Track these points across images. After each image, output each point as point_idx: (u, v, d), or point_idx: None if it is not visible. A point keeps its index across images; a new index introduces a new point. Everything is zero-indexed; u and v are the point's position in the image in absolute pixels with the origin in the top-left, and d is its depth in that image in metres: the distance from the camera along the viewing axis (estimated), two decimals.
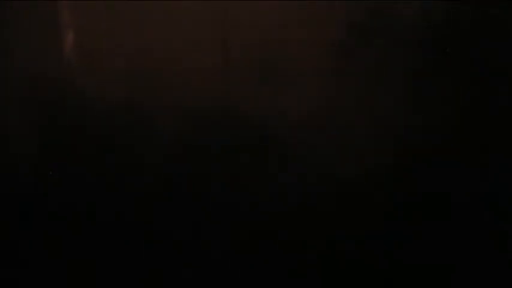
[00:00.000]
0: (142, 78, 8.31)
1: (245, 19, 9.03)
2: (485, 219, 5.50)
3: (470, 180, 6.07)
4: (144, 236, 5.41)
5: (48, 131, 7.47)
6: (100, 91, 8.09)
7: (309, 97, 8.06)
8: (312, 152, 6.95)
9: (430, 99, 7.81)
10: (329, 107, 7.84)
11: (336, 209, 5.77)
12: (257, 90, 8.22)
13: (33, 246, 5.24)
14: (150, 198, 5.91)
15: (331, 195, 6.07)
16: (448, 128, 7.13)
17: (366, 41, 8.66)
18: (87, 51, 8.64)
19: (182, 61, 8.57)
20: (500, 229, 5.35)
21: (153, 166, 6.55)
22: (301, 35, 8.84)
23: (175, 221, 5.63)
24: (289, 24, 8.96)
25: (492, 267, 4.98)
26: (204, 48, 8.84)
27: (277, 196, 6.05)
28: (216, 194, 6.05)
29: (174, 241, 5.31)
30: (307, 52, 8.77)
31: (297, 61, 8.69)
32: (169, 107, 7.84)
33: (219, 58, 8.71)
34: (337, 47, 8.75)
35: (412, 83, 8.08)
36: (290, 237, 5.37)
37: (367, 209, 5.73)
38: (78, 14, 9.05)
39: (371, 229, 5.40)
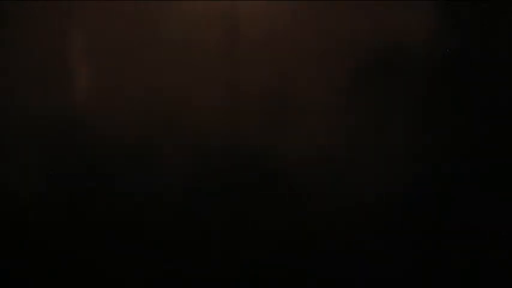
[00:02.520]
0: (150, 116, 8.34)
1: (254, 55, 9.08)
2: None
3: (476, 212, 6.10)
4: (149, 273, 5.42)
5: (57, 168, 7.52)
6: (108, 129, 8.13)
7: (318, 133, 8.07)
8: (319, 189, 6.95)
9: (438, 136, 7.81)
10: (337, 144, 7.85)
11: (339, 246, 5.78)
12: (265, 126, 8.24)
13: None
14: (157, 235, 5.92)
15: (336, 232, 6.08)
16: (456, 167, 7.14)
17: (375, 78, 8.69)
18: (96, 89, 8.69)
19: (190, 98, 8.61)
20: None
21: (163, 203, 6.57)
22: (310, 72, 8.87)
23: (182, 256, 5.64)
24: (298, 60, 9.01)
25: None
26: (212, 85, 8.88)
27: (282, 232, 6.05)
28: (223, 232, 6.08)
29: (181, 279, 5.31)
30: (317, 88, 8.78)
31: (306, 98, 8.71)
32: (178, 145, 7.86)
33: (228, 96, 8.74)
34: (346, 83, 8.76)
35: (421, 120, 8.09)
36: (292, 273, 5.37)
37: (373, 247, 5.74)
38: (87, 54, 9.15)
39: (375, 266, 5.40)
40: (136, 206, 6.83)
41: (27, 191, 6.97)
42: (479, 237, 6.03)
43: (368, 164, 7.40)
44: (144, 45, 9.09)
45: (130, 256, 5.68)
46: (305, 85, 8.74)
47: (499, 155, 7.39)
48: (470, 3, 8.67)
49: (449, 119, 7.96)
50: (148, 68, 9.06)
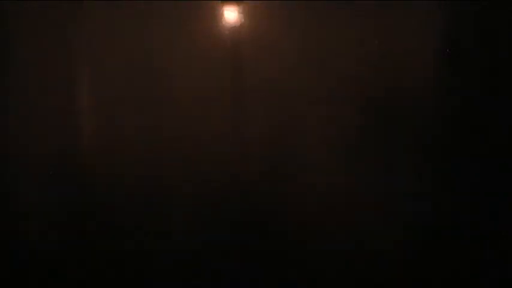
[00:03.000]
0: (157, 152, 8.35)
1: (258, 97, 9.07)
2: None
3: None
4: None
5: (69, 206, 7.52)
6: (110, 168, 8.14)
7: (322, 176, 8.04)
8: (323, 233, 6.91)
9: (441, 181, 7.80)
10: (342, 188, 7.82)
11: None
12: (271, 168, 8.23)
13: None
14: (159, 272, 5.91)
15: (341, 275, 6.07)
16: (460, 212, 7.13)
17: (380, 121, 8.68)
18: (100, 130, 8.73)
19: (195, 139, 8.63)
20: None
21: (165, 242, 6.55)
22: (316, 112, 8.87)
23: None
24: (304, 106, 9.00)
25: None
26: (217, 130, 8.91)
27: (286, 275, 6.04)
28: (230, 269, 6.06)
29: None
30: (321, 130, 8.79)
31: (311, 140, 8.71)
32: (187, 183, 7.83)
33: (230, 141, 8.75)
34: (351, 127, 8.76)
35: (426, 164, 8.09)
36: None
37: None
38: (93, 97, 9.20)
39: None
40: (137, 244, 6.80)
41: (33, 230, 6.96)
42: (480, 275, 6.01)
43: (372, 210, 7.37)
44: (149, 88, 9.11)
45: None
46: (309, 128, 8.74)
47: (500, 196, 7.36)
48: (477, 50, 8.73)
49: (452, 162, 7.95)
50: (151, 110, 9.08)
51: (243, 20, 9.55)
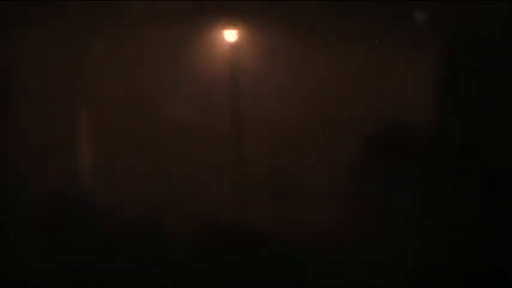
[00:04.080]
0: (159, 197, 8.37)
1: (261, 135, 9.13)
2: None
3: None
4: None
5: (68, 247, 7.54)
6: (115, 209, 8.15)
7: (324, 212, 8.07)
8: (325, 269, 6.94)
9: (443, 217, 7.83)
10: (344, 224, 7.85)
11: None
12: (272, 206, 8.26)
13: None
14: None
15: None
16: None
17: (382, 156, 8.71)
18: (103, 170, 8.73)
19: (197, 178, 8.64)
20: None
21: (171, 281, 6.57)
22: (317, 151, 8.91)
23: None
24: (304, 140, 9.05)
25: None
26: (220, 164, 8.91)
27: None
28: None
29: None
30: (323, 168, 8.80)
31: (312, 177, 8.72)
32: (185, 224, 7.87)
33: (237, 175, 8.76)
34: (353, 163, 8.78)
35: (429, 199, 8.11)
36: None
37: None
38: (93, 136, 9.21)
39: None
40: (140, 283, 6.82)
41: (33, 266, 6.98)
42: None
43: (372, 244, 7.40)
44: (151, 128, 9.13)
45: None
46: (310, 165, 8.76)
47: (502, 233, 7.41)
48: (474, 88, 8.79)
49: (453, 199, 7.98)
50: (154, 150, 9.10)
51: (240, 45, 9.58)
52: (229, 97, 9.45)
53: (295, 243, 7.41)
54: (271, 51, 9.51)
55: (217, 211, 7.99)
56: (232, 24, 9.63)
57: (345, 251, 7.32)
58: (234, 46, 9.58)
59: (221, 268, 6.87)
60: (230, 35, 9.63)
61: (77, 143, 9.12)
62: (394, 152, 8.75)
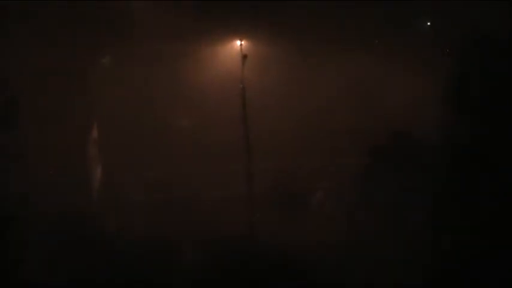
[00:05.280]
0: (166, 210, 8.41)
1: (268, 147, 9.14)
2: None
3: None
4: None
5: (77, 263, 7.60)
6: (123, 223, 8.21)
7: (333, 224, 8.06)
8: (334, 277, 6.94)
9: (454, 223, 7.79)
10: (353, 235, 7.84)
11: None
12: (280, 218, 8.26)
13: None
14: None
15: None
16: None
17: (390, 165, 8.68)
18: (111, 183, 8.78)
19: (204, 191, 8.67)
20: None
21: None
22: (324, 162, 8.90)
23: None
24: (312, 151, 9.05)
25: None
26: (227, 177, 8.94)
27: None
28: None
29: None
30: (331, 178, 8.79)
31: (320, 188, 8.72)
32: (193, 238, 7.89)
33: (243, 188, 8.78)
34: (361, 172, 8.76)
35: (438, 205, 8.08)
36: None
37: None
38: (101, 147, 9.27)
39: None
40: None
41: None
42: None
43: (379, 252, 7.38)
44: (162, 140, 9.19)
45: None
46: (317, 174, 8.76)
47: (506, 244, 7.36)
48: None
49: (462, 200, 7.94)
50: (164, 162, 9.15)
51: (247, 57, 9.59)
52: (238, 111, 9.47)
53: (303, 253, 7.40)
54: (278, 63, 9.53)
55: (227, 224, 8.02)
56: (241, 37, 9.67)
57: (353, 259, 7.29)
58: (243, 58, 9.61)
59: (229, 278, 6.89)
60: (239, 47, 9.67)
61: (85, 156, 9.16)
62: (403, 158, 8.72)
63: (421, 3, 9.22)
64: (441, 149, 8.45)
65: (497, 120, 8.50)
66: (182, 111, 9.48)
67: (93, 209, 8.58)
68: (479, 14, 8.73)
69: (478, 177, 8.03)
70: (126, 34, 9.41)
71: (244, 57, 9.62)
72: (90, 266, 7.66)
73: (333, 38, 9.35)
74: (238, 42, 9.71)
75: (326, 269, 7.35)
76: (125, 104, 9.37)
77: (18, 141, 9.00)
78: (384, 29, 9.20)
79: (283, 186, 8.78)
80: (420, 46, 9.18)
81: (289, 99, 9.40)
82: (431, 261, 7.29)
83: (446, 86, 8.83)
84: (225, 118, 9.38)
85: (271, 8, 9.47)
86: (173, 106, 9.45)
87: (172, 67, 9.63)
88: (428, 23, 9.26)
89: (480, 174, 8.03)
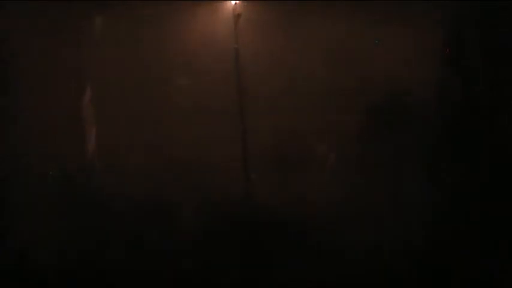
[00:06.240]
0: (163, 172, 8.39)
1: (263, 105, 9.14)
2: None
3: None
4: None
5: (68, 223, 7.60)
6: (122, 186, 8.19)
7: (328, 184, 8.11)
8: (331, 239, 6.99)
9: (447, 179, 7.85)
10: (349, 195, 7.89)
11: None
12: (276, 178, 8.29)
13: None
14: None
15: (350, 284, 6.17)
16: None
17: (386, 123, 8.71)
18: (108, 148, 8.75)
19: (201, 152, 8.66)
20: None
21: (176, 260, 6.63)
22: (320, 123, 8.92)
23: None
24: (307, 111, 9.06)
25: None
26: (223, 138, 8.93)
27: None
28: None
29: None
30: (327, 139, 8.81)
31: (315, 148, 8.74)
32: (190, 199, 7.91)
33: (239, 148, 8.78)
34: (359, 130, 8.79)
35: (431, 164, 8.13)
36: None
37: None
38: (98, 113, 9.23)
39: None
40: (146, 260, 6.88)
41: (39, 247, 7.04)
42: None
43: (379, 214, 7.45)
44: (156, 104, 9.15)
45: None
46: (317, 134, 8.79)
47: (503, 200, 7.45)
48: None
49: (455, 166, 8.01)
50: (159, 126, 9.12)
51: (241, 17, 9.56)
52: (232, 71, 9.45)
53: (302, 213, 7.45)
54: (273, 24, 9.51)
55: (225, 184, 8.04)
56: None
57: (352, 219, 7.36)
58: (237, 19, 9.58)
59: (230, 241, 6.92)
60: (232, 7, 9.63)
61: (81, 122, 9.12)
62: (399, 119, 8.77)
63: None
64: (437, 106, 8.52)
65: (492, 80, 8.59)
66: (176, 73, 9.45)
67: (89, 172, 8.55)
68: None
69: (475, 133, 8.10)
70: None
71: (238, 16, 9.58)
72: (85, 228, 7.66)
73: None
74: (232, 2, 9.67)
75: (323, 228, 7.41)
76: (118, 66, 9.33)
77: (14, 104, 8.97)
78: None
79: (278, 145, 8.80)
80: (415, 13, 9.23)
81: (284, 61, 9.40)
82: (430, 219, 7.37)
83: (441, 47, 8.90)
84: (218, 79, 9.36)
85: None
86: (167, 67, 9.41)
87: (165, 27, 9.58)
88: None
89: (476, 131, 8.11)
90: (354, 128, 8.87)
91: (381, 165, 8.27)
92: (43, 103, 8.97)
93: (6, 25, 9.16)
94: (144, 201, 7.76)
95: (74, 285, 6.35)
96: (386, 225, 7.13)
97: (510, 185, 7.48)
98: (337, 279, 6.40)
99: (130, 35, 9.50)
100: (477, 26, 8.71)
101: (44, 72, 9.18)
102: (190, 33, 9.56)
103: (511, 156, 7.93)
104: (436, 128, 8.54)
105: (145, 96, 9.26)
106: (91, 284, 6.42)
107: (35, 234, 7.70)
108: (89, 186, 8.26)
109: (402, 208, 7.41)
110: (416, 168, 8.13)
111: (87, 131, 9.07)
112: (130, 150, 8.73)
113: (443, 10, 9.01)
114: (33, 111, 9.03)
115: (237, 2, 9.57)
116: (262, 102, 9.21)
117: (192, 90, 9.35)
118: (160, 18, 9.52)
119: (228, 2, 9.61)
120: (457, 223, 7.01)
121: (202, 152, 8.66)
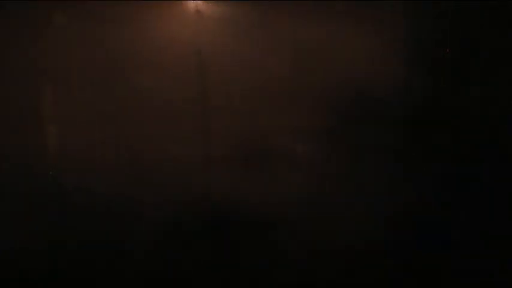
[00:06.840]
0: (126, 170, 8.31)
1: (229, 105, 9.11)
2: None
3: None
4: None
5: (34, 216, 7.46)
6: (84, 185, 8.09)
7: (295, 183, 8.06)
8: (297, 235, 6.92)
9: (414, 178, 7.84)
10: (316, 193, 7.84)
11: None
12: (238, 176, 8.23)
13: None
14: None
15: (323, 270, 6.12)
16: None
17: (352, 126, 8.72)
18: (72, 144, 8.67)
19: (164, 151, 8.60)
20: None
21: (145, 253, 6.54)
22: (286, 119, 8.91)
23: None
24: (275, 111, 9.03)
25: None
26: (185, 138, 8.88)
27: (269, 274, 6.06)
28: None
29: None
30: (294, 139, 8.79)
31: (283, 148, 8.71)
32: (152, 198, 7.82)
33: (201, 147, 8.73)
34: (323, 130, 8.77)
35: (398, 164, 8.13)
36: None
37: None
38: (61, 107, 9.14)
39: None
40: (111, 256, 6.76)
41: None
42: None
43: (344, 207, 7.40)
44: (117, 100, 9.07)
45: None
46: (280, 133, 8.75)
47: (475, 194, 7.45)
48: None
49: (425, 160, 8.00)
50: (120, 122, 9.05)
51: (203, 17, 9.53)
52: (195, 68, 9.43)
53: (266, 212, 7.38)
54: (236, 22, 9.49)
55: (187, 183, 7.95)
56: None
57: (316, 216, 7.30)
58: (199, 17, 9.54)
59: (193, 239, 6.84)
60: (194, 5, 9.59)
61: (41, 117, 9.05)
62: (366, 116, 8.77)
63: None
64: (402, 106, 8.53)
65: (459, 79, 8.62)
66: (138, 72, 9.38)
67: (51, 169, 8.45)
68: None
69: (442, 133, 8.13)
70: None
71: (198, 13, 9.55)
72: (47, 224, 7.53)
73: None
74: (195, 1, 9.63)
75: (289, 225, 7.34)
76: (79, 65, 9.25)
77: None
78: None
79: (241, 144, 8.75)
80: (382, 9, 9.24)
81: (248, 60, 9.37)
82: (397, 215, 7.34)
83: (408, 47, 8.92)
84: (180, 78, 9.32)
85: None
86: (128, 67, 9.35)
87: (126, 27, 9.52)
88: None
89: (443, 131, 8.14)
90: (319, 127, 8.84)
91: (344, 164, 8.24)
92: (0, 102, 8.88)
93: None
94: (105, 199, 7.64)
95: (28, 285, 6.21)
96: (350, 224, 7.08)
97: (476, 185, 7.49)
98: (299, 278, 6.34)
99: (91, 35, 9.42)
100: (444, 25, 8.75)
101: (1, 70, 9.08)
102: (153, 33, 9.50)
103: (474, 155, 7.96)
104: (401, 127, 8.55)
105: (107, 96, 9.18)
106: (46, 284, 6.28)
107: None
108: (48, 184, 8.14)
109: (364, 208, 7.38)
110: (381, 167, 8.11)
111: (46, 130, 8.98)
112: (91, 149, 8.63)
113: (406, 7, 9.05)
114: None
115: (199, 1, 9.55)
116: (224, 101, 9.18)
117: (154, 89, 9.28)
118: (122, 17, 9.46)
119: (190, 1, 9.58)
120: (419, 223, 6.99)
121: (164, 150, 8.58)
